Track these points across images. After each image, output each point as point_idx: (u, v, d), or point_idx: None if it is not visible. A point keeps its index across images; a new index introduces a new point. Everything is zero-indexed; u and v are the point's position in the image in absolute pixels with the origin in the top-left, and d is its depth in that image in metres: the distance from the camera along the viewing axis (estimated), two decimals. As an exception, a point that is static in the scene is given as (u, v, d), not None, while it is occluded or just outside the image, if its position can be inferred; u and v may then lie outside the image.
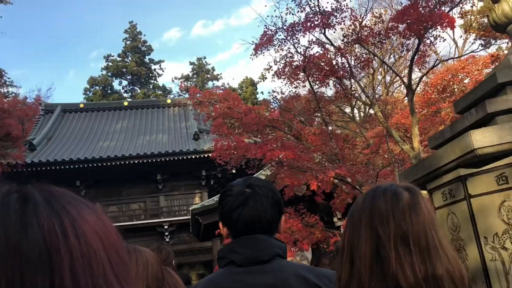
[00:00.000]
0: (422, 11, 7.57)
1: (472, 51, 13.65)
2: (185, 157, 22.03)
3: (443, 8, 8.02)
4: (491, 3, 4.97)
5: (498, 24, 4.81)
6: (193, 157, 22.08)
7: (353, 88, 10.89)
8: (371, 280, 1.16)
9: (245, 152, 8.63)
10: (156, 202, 23.79)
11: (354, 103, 16.82)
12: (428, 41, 8.66)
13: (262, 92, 45.58)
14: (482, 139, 3.53)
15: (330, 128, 10.47)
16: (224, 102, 9.09)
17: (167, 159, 21.93)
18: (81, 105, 28.74)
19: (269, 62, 9.59)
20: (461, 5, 8.39)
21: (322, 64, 9.14)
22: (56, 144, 23.73)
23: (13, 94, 32.81)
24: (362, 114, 24.06)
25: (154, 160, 21.82)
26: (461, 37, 21.18)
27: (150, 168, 22.28)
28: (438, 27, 7.58)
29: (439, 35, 8.68)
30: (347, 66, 9.13)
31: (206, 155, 21.37)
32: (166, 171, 23.14)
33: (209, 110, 9.71)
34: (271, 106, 11.32)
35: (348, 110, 20.12)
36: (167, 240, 22.10)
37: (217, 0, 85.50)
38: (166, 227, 22.45)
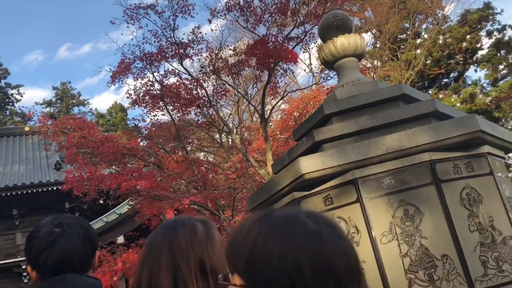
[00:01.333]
0: (271, 46, 8.16)
1: (320, 83, 15.04)
2: (45, 189, 20.38)
3: (291, 44, 8.76)
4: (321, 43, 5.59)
5: (326, 61, 5.41)
6: (54, 188, 20.50)
7: (213, 116, 11.24)
8: None
9: (100, 183, 8.31)
10: (12, 240, 21.50)
11: (221, 130, 17.30)
12: (279, 73, 9.35)
13: (133, 118, 44.18)
14: (309, 165, 3.91)
15: (201, 154, 10.60)
16: (78, 131, 8.69)
17: (25, 192, 20.08)
18: None
19: (127, 90, 9.46)
20: (305, 40, 9.24)
21: (182, 92, 9.29)
22: None
23: None
24: (230, 140, 24.77)
25: (9, 194, 19.80)
26: (311, 65, 23.07)
27: (5, 202, 20.15)
28: (284, 60, 8.24)
29: (289, 68, 9.44)
30: (206, 95, 9.40)
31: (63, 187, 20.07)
32: (23, 205, 21.12)
33: (62, 139, 9.19)
34: (135, 134, 11.10)
35: (217, 136, 20.59)
36: (26, 281, 20.05)
37: (85, 23, 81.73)
38: (24, 267, 20.35)
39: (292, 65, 9.24)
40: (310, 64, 22.24)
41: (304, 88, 15.37)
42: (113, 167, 9.29)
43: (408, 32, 20.48)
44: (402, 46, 20.92)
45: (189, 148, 12.06)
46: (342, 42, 5.08)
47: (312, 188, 4.18)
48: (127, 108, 41.57)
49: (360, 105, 4.59)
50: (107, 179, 8.01)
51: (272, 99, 10.64)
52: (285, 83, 12.78)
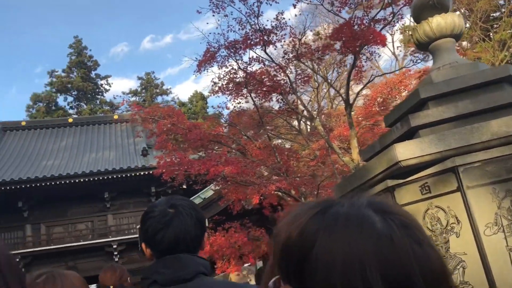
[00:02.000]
0: (357, 29, 7.94)
1: (406, 66, 14.39)
2: (133, 174, 21.61)
3: (377, 26, 8.44)
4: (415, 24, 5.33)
5: (420, 42, 5.15)
6: (142, 173, 21.69)
7: (297, 102, 11.19)
8: None
9: (189, 168, 8.64)
10: (104, 221, 23.14)
11: (300, 117, 17.17)
12: (364, 57, 9.08)
13: (212, 107, 45.46)
14: (405, 151, 3.76)
15: (279, 141, 10.69)
16: (168, 119, 9.08)
17: (115, 176, 21.43)
18: (23, 123, 27.60)
19: (212, 79, 9.71)
20: (393, 23, 8.87)
21: (265, 80, 9.35)
22: (-5, 164, 22.63)
23: None
24: (308, 127, 24.59)
25: (101, 178, 21.26)
26: (397, 48, 22.16)
27: (97, 186, 21.67)
28: (371, 43, 7.98)
29: (375, 51, 9.13)
30: (288, 82, 9.39)
31: (154, 171, 21.10)
32: (114, 189, 22.58)
33: (152, 126, 9.66)
34: (218, 121, 11.40)
35: (295, 123, 20.52)
36: (116, 260, 21.46)
37: (166, 14, 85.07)
38: (115, 246, 21.84)
39: (378, 48, 8.94)
40: (395, 47, 21.37)
41: (390, 72, 14.83)
42: (199, 153, 9.63)
43: (503, 10, 18.95)
44: (495, 25, 19.43)
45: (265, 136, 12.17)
46: (438, 22, 4.79)
47: (407, 176, 4.02)
48: (207, 97, 42.82)
49: (459, 89, 4.32)
50: (196, 164, 8.32)
51: (355, 84, 10.39)
52: (367, 68, 12.40)
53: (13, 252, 18.96)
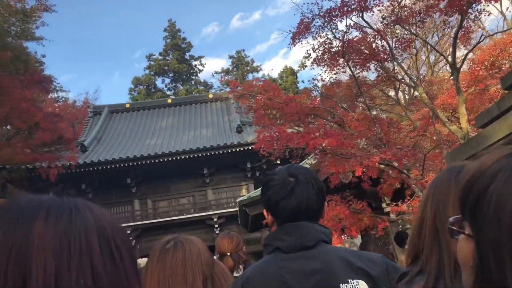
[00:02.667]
0: (464, -14, 7.26)
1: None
2: (229, 150, 22.28)
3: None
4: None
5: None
6: (237, 149, 22.29)
7: (395, 71, 10.62)
8: None
9: (288, 142, 8.64)
10: (204, 196, 24.24)
11: (398, 86, 16.36)
12: (472, 16, 8.31)
13: (302, 81, 45.35)
14: (530, 115, 3.38)
15: (374, 112, 10.26)
16: (264, 94, 9.11)
17: (212, 153, 22.26)
18: (127, 105, 29.61)
19: (307, 50, 9.50)
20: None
21: (362, 48, 8.97)
22: (105, 144, 24.61)
23: (63, 99, 34.31)
24: (407, 97, 23.42)
25: (199, 155, 22.21)
26: (507, 9, 20.09)
27: (196, 163, 22.69)
28: (482, 1, 7.25)
29: (484, 9, 8.30)
30: (387, 48, 8.92)
31: (249, 147, 21.53)
32: (212, 165, 23.50)
33: (250, 102, 9.78)
34: (312, 94, 11.22)
35: (392, 93, 19.60)
36: (217, 232, 22.47)
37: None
38: (215, 219, 22.86)
39: (487, 5, 8.09)
40: (503, 6, 19.37)
41: (498, 32, 13.50)
42: (296, 127, 9.59)
43: None
44: None
45: (362, 107, 11.73)
46: None
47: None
48: (297, 72, 42.58)
49: None
50: (295, 137, 8.29)
51: (460, 46, 9.56)
52: (473, 29, 11.35)
53: (124, 225, 20.64)
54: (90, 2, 77.81)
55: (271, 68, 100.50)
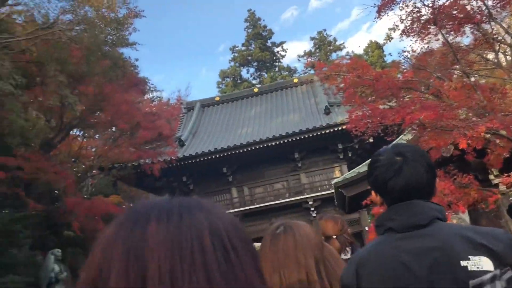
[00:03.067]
0: None
1: None
2: (318, 133, 22.17)
3: None
4: None
5: None
6: (327, 132, 22.10)
7: (494, 32, 9.78)
8: None
9: (382, 119, 8.37)
10: (297, 180, 24.42)
11: (497, 48, 15.01)
12: None
13: (390, 54, 43.38)
14: None
15: (472, 79, 9.56)
16: (352, 72, 8.89)
17: (302, 137, 22.30)
18: (217, 98, 30.60)
19: (394, 22, 9.08)
20: None
21: (455, 12, 8.39)
22: (200, 137, 25.74)
23: (158, 98, 36.29)
24: (508, 58, 21.43)
25: (289, 140, 22.37)
26: None
27: (287, 148, 22.89)
28: None
29: None
30: (484, 9, 8.25)
31: (340, 128, 21.25)
32: (302, 149, 23.56)
33: (337, 82, 9.59)
34: (403, 67, 10.73)
35: (491, 56, 18.05)
36: (314, 215, 22.58)
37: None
38: (310, 202, 22.96)
39: None
40: None
41: None
42: (389, 102, 9.26)
43: None
44: None
45: (459, 75, 10.95)
46: None
47: None
48: (382, 45, 40.93)
49: None
50: (389, 114, 8.02)
51: None
52: None
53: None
54: (173, 3, 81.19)
55: (355, 44, 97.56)
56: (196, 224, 0.57)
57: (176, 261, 0.53)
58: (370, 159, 1.81)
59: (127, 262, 0.53)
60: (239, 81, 46.90)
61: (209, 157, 22.67)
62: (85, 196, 21.28)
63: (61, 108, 17.66)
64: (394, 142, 1.85)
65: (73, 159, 22.88)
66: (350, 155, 23.55)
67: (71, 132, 22.19)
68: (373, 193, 1.76)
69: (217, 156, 22.64)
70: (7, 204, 18.70)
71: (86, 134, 25.46)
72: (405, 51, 10.38)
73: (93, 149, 25.91)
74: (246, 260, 0.59)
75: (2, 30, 14.74)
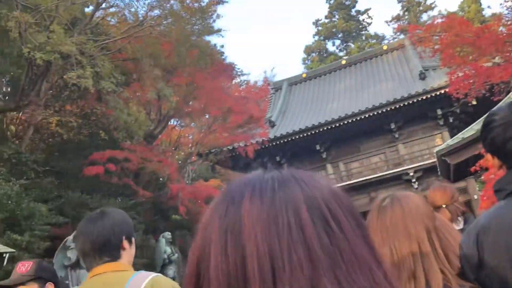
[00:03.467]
0: None
1: None
2: (415, 100, 21.07)
3: None
4: None
5: None
6: (424, 98, 20.92)
7: None
8: None
9: (488, 78, 7.68)
10: (395, 152, 23.53)
11: None
12: None
13: (489, 7, 39.63)
14: None
15: None
16: (449, 31, 8.22)
17: (397, 106, 21.36)
18: (303, 75, 30.32)
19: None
20: None
21: None
22: (290, 116, 25.77)
23: (245, 82, 36.95)
24: None
25: (383, 111, 21.56)
26: None
27: (382, 119, 22.09)
28: None
29: None
30: None
31: (438, 93, 20.02)
32: (398, 119, 22.59)
33: (432, 44, 8.94)
34: (505, 19, 9.72)
35: None
36: (415, 186, 21.67)
37: None
38: (411, 174, 22.04)
39: None
40: None
41: None
42: (493, 59, 8.45)
43: None
44: None
45: None
46: None
47: None
48: (480, -2, 37.53)
49: None
50: (496, 72, 7.33)
51: None
52: None
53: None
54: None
55: (447, 1, 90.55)
56: (291, 198, 0.53)
57: (273, 239, 0.51)
58: (484, 120, 1.66)
59: (225, 242, 0.52)
60: (325, 55, 46.02)
61: (301, 136, 22.64)
62: (187, 182, 22.48)
63: (158, 100, 18.69)
64: (504, 101, 1.66)
65: (173, 148, 24.23)
66: (451, 120, 22.10)
67: (169, 123, 23.49)
68: (488, 156, 1.65)
69: (309, 133, 22.52)
70: (119, 194, 20.39)
71: (183, 123, 26.79)
72: (507, 1, 9.37)
73: (190, 137, 27.23)
74: (350, 231, 0.54)
75: (99, 33, 15.89)
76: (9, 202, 13.56)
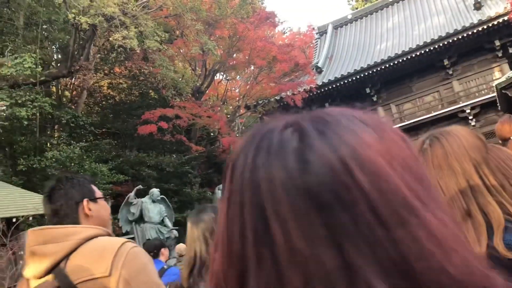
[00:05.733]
0: None
1: None
2: (470, 33, 19.81)
3: None
4: None
5: None
6: (480, 29, 19.60)
7: None
8: None
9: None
10: (450, 89, 22.52)
11: None
12: None
13: None
14: None
15: None
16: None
17: (450, 41, 20.20)
18: (349, 17, 29.13)
19: None
20: None
21: None
22: (337, 60, 25.05)
23: (289, 29, 36.04)
24: None
25: (436, 47, 20.49)
26: None
27: (434, 55, 21.06)
28: None
29: None
30: None
31: (496, 22, 18.71)
32: (452, 54, 21.43)
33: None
34: None
35: None
36: (473, 124, 20.81)
37: None
38: (468, 111, 21.11)
39: None
40: None
41: None
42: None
43: None
44: None
45: None
46: None
47: None
48: None
49: None
50: None
51: None
52: None
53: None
54: None
55: None
56: (322, 154, 0.42)
57: (293, 202, 0.41)
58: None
59: (242, 197, 0.45)
60: (370, -7, 43.80)
61: (349, 80, 22.05)
62: (237, 135, 22.74)
63: (203, 55, 18.68)
64: None
65: (221, 102, 24.40)
66: (511, 51, 20.69)
67: (215, 77, 23.55)
68: None
69: (358, 77, 21.89)
70: (174, 150, 21.00)
71: (229, 77, 26.79)
72: None
73: (237, 90, 27.26)
74: (407, 182, 0.42)
75: (139, -8, 15.84)
76: (72, 164, 14.33)
